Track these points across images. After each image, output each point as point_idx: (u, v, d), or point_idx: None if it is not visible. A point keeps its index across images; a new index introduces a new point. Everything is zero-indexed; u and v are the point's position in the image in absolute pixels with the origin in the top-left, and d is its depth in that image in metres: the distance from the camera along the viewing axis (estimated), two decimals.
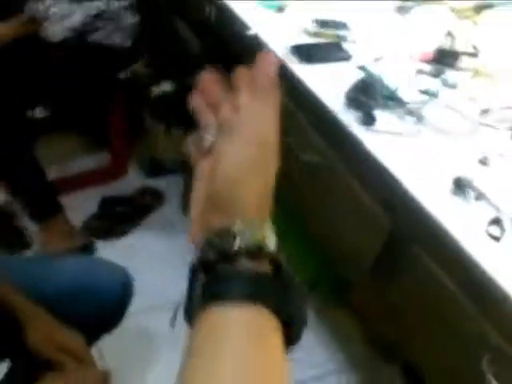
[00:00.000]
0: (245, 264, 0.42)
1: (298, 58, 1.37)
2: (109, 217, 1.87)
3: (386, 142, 1.17)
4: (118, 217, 1.87)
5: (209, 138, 0.46)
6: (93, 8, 1.70)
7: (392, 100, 1.24)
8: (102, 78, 1.84)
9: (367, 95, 1.24)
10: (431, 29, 1.48)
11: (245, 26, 1.49)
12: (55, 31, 1.69)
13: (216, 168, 0.44)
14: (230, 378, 0.38)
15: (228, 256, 0.42)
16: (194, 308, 0.42)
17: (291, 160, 1.40)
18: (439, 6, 1.57)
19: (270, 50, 0.46)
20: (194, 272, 0.44)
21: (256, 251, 0.42)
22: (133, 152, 2.12)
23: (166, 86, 2.01)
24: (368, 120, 1.21)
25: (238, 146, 0.45)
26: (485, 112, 1.22)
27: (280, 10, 1.55)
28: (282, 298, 0.42)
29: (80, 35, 1.71)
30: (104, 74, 1.85)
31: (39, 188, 1.75)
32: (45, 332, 0.94)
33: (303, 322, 0.44)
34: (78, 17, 1.69)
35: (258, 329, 0.41)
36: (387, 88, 1.26)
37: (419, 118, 1.21)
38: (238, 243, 0.42)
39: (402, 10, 1.52)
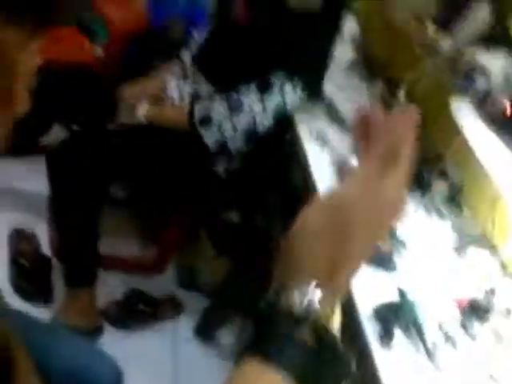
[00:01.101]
0: (294, 328, 0.45)
1: None
2: (129, 309, 1.96)
3: (395, 361, 1.23)
4: (137, 313, 1.96)
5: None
6: (242, 123, 1.84)
7: (415, 330, 1.32)
8: (192, 179, 1.98)
9: (395, 314, 1.34)
10: (479, 276, 1.57)
11: None
12: (210, 136, 1.84)
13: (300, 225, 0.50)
14: None
15: (281, 313, 0.46)
16: (242, 347, 0.47)
17: None
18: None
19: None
20: (260, 315, 0.48)
21: (303, 313, 0.46)
22: (176, 256, 2.24)
23: (234, 217, 2.15)
24: (386, 336, 1.28)
25: (331, 207, 0.49)
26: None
27: None
28: (318, 373, 0.45)
29: None
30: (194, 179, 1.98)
31: (87, 254, 1.86)
32: None
33: None
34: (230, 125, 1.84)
35: None
36: (415, 318, 1.34)
37: (432, 358, 1.27)
38: (297, 305, 0.45)
39: (459, 249, 1.61)
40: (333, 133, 1.97)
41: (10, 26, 0.50)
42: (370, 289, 1.39)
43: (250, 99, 1.80)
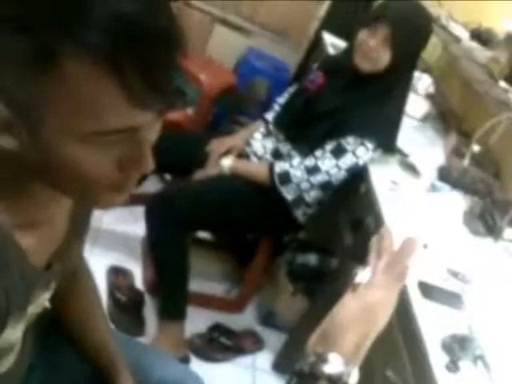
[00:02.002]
0: None
1: (422, 293, 1.57)
2: (212, 342, 2.10)
3: None
4: (220, 346, 2.09)
5: (361, 276, 0.76)
6: (318, 181, 1.98)
7: (482, 363, 1.38)
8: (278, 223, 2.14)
9: (462, 346, 1.40)
10: None
11: None
12: (288, 192, 2.00)
13: (336, 311, 0.72)
14: None
15: (315, 375, 0.64)
16: None
17: (376, 371, 1.56)
18: None
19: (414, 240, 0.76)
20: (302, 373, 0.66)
21: (336, 380, 0.64)
22: (257, 294, 2.38)
23: (311, 259, 2.27)
24: (453, 367, 1.35)
25: (359, 306, 0.72)
26: None
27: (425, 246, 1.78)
28: None
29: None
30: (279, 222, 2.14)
31: (177, 291, 2.02)
32: None
33: None
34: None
35: None
36: (482, 351, 1.40)
37: None
38: (326, 369, 0.65)
39: None
40: (405, 182, 2.08)
41: (145, 113, 0.64)
42: (437, 323, 1.47)
43: (326, 165, 1.94)
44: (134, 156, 0.67)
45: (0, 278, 0.70)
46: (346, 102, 2.01)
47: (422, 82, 2.66)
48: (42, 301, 0.89)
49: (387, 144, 2.03)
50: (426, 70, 2.75)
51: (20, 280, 0.74)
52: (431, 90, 2.69)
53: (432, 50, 2.80)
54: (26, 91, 0.60)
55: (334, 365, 0.65)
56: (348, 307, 0.73)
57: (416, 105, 2.58)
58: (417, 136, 2.49)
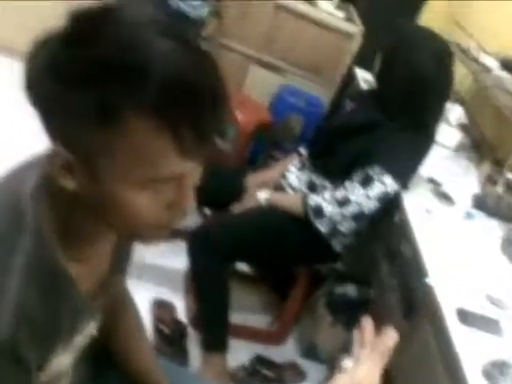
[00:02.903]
0: None
1: (461, 320, 1.58)
2: (255, 374, 2.13)
3: None
4: (261, 377, 2.12)
5: (347, 363, 0.88)
6: (350, 212, 2.01)
7: None
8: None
9: (501, 372, 1.41)
10: None
11: (424, 273, 1.76)
12: (322, 224, 2.04)
13: None
14: None
15: None
16: None
17: None
18: None
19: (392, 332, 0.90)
20: None
21: None
22: (296, 324, 2.40)
23: (350, 290, 2.30)
24: None
25: (348, 379, 0.86)
26: None
27: None
28: None
29: None
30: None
31: (219, 323, 2.07)
32: None
33: None
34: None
35: None
36: None
37: None
38: None
39: None
40: (439, 210, 2.11)
41: (194, 161, 0.73)
42: (477, 350, 1.48)
43: (356, 195, 1.98)
44: (178, 198, 0.75)
45: (51, 306, 0.77)
46: (373, 118, 2.09)
47: (454, 112, 2.70)
48: (89, 331, 0.96)
49: (404, 181, 2.04)
50: (458, 101, 2.79)
51: (69, 309, 0.81)
52: (463, 119, 2.72)
53: (462, 80, 2.84)
54: (89, 141, 0.69)
55: None
56: (339, 382, 0.86)
57: (449, 135, 2.61)
58: (450, 165, 2.51)
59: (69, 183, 0.73)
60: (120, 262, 1.00)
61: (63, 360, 0.86)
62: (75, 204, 0.76)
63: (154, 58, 0.66)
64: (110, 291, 0.97)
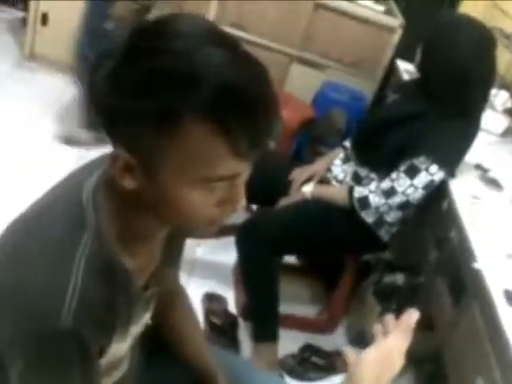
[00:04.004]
0: None
1: (508, 301, 1.57)
2: (304, 361, 2.16)
3: None
4: (311, 365, 2.15)
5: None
6: (396, 202, 2.03)
7: None
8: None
9: None
10: None
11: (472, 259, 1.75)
12: (368, 215, 2.07)
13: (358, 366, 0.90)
14: None
15: None
16: None
17: (466, 380, 1.58)
18: None
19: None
20: None
21: None
22: (345, 313, 2.42)
23: (398, 278, 2.31)
24: None
25: (376, 351, 0.92)
26: None
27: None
28: None
29: None
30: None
31: (269, 314, 2.11)
32: None
33: None
34: None
35: None
36: None
37: None
38: None
39: None
40: (487, 196, 2.09)
41: (246, 162, 0.77)
42: None
43: (402, 186, 1.99)
44: (231, 196, 0.81)
45: (109, 297, 0.83)
46: (416, 108, 2.09)
47: (500, 97, 2.66)
48: (144, 320, 1.02)
49: (450, 169, 2.03)
50: (503, 86, 2.74)
51: (125, 300, 0.87)
52: (509, 104, 2.68)
53: (508, 65, 2.79)
54: (149, 144, 0.74)
55: None
56: (368, 354, 0.91)
57: (495, 121, 2.58)
58: (498, 151, 2.48)
59: (129, 183, 0.79)
60: (171, 257, 1.06)
61: (120, 347, 0.93)
62: (133, 203, 0.82)
63: (207, 65, 0.71)
64: (161, 283, 1.02)
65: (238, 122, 0.72)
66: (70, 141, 3.04)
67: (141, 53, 0.73)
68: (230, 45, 0.75)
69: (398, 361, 0.93)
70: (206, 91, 0.70)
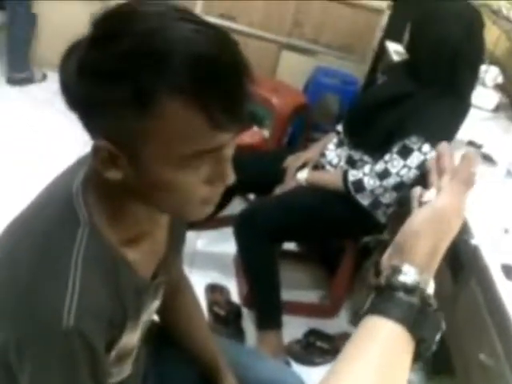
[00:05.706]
0: (402, 296, 0.64)
1: (506, 275, 1.59)
2: (309, 346, 2.18)
3: None
4: (316, 349, 2.17)
5: (428, 195, 0.72)
6: (391, 184, 2.04)
7: None
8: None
9: None
10: None
11: (469, 235, 1.76)
12: (363, 198, 2.08)
13: (407, 222, 0.69)
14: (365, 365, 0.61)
15: (392, 286, 0.64)
16: (362, 313, 0.66)
17: (469, 356, 1.59)
18: None
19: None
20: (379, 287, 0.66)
21: (412, 288, 0.64)
22: (347, 297, 2.44)
23: None
24: None
25: (429, 212, 0.69)
26: None
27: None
28: (420, 324, 0.63)
29: None
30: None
31: (271, 301, 2.12)
32: None
33: (432, 343, 0.65)
34: None
35: (396, 342, 0.62)
36: None
37: None
38: (402, 279, 0.64)
39: None
40: (481, 171, 2.09)
41: (226, 134, 0.76)
42: None
43: (396, 167, 2.00)
44: (218, 171, 0.80)
45: (113, 290, 0.83)
46: (405, 88, 2.09)
47: (490, 73, 2.66)
48: (154, 307, 1.03)
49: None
50: (493, 61, 2.74)
51: (131, 291, 0.88)
52: (499, 80, 2.68)
53: (496, 40, 2.79)
54: (128, 129, 0.74)
55: (408, 274, 0.64)
56: (419, 216, 0.70)
57: (486, 96, 2.58)
58: (490, 126, 2.49)
59: (114, 174, 0.78)
60: (176, 242, 1.06)
61: (132, 337, 0.93)
62: (122, 192, 0.82)
63: (175, 39, 0.71)
64: (169, 269, 1.03)
65: (213, 92, 0.72)
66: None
67: (107, 38, 0.72)
68: (196, 20, 0.75)
69: (454, 221, 0.69)
70: (177, 65, 0.70)
